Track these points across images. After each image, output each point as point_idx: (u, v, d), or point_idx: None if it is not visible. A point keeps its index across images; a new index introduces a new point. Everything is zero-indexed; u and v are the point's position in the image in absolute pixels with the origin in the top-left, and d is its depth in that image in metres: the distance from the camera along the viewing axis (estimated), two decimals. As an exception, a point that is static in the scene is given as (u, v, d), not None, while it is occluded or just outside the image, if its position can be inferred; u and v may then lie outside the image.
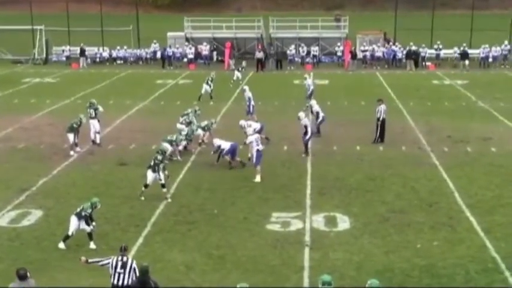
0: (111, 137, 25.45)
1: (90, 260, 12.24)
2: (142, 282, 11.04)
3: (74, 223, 15.01)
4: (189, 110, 25.18)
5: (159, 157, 18.39)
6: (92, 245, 14.96)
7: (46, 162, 22.18)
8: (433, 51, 47.05)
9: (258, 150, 20.18)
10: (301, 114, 22.89)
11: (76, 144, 23.17)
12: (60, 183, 19.95)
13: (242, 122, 23.79)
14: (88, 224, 15.00)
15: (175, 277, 13.60)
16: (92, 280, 13.02)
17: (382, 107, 24.42)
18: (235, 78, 38.08)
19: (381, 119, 24.30)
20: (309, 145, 23.00)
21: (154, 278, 11.28)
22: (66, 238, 15.04)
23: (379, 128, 24.37)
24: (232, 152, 21.12)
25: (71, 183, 19.99)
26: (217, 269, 14.03)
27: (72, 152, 22.88)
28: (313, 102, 26.24)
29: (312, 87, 31.73)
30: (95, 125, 24.10)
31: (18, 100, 33.95)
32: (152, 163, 18.30)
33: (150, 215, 17.11)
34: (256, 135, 20.96)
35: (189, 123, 24.02)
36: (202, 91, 32.89)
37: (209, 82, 33.03)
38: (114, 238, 15.31)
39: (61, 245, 15.02)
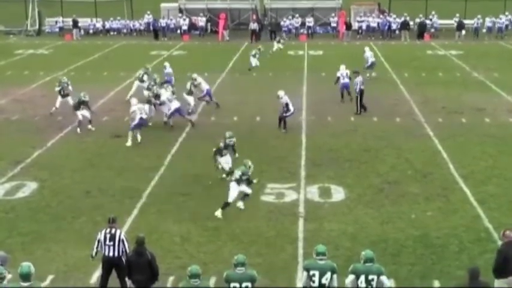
0: (105, 109, 25.35)
1: None
2: (138, 253, 11.07)
3: (234, 190, 15.36)
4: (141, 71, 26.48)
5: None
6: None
7: (40, 134, 22.12)
8: (428, 21, 46.67)
9: (141, 118, 20.91)
10: (281, 93, 22.16)
11: (90, 122, 22.43)
12: (55, 156, 19.93)
13: (194, 75, 24.87)
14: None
15: (171, 248, 13.66)
16: (87, 251, 13.06)
17: (359, 78, 24.30)
18: (274, 49, 38.63)
19: (357, 90, 24.17)
20: (287, 120, 22.15)
21: (150, 249, 11.32)
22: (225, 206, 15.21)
23: (358, 101, 24.23)
24: (179, 111, 22.39)
25: (65, 155, 19.97)
26: (212, 240, 14.09)
27: (90, 126, 22.31)
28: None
29: (371, 60, 30.58)
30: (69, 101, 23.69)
31: (11, 72, 33.71)
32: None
33: (145, 187, 17.14)
34: (140, 105, 21.47)
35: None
36: (253, 64, 32.89)
37: (256, 55, 33.15)
38: (110, 210, 15.28)
39: (217, 213, 15.15)
